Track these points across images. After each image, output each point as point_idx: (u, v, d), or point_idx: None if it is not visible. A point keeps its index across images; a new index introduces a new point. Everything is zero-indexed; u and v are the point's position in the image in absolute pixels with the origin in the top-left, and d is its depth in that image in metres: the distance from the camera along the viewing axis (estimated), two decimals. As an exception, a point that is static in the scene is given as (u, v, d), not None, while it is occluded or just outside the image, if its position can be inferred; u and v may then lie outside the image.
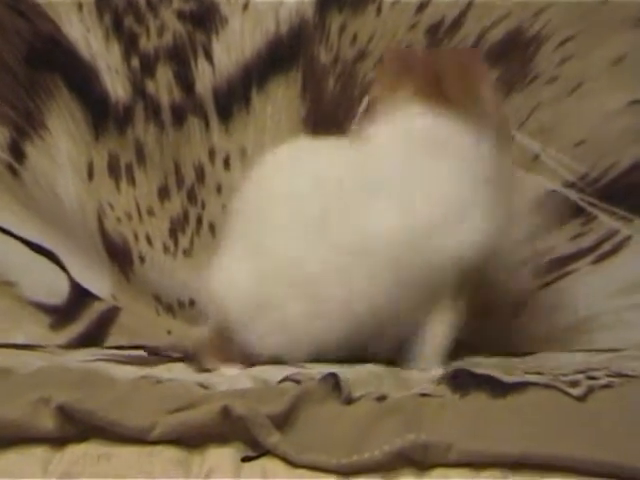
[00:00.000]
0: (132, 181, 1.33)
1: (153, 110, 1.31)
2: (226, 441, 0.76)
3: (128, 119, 1.31)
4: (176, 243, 1.33)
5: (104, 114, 1.32)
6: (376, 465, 0.72)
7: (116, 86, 1.31)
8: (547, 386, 0.86)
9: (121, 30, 1.30)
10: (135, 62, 1.30)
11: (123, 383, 0.89)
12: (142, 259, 1.33)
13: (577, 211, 1.23)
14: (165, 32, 1.29)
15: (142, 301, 1.34)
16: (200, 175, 1.32)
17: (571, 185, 1.22)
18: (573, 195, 1.22)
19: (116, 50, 1.30)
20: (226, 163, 1.31)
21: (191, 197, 1.32)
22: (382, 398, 0.83)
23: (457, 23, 1.23)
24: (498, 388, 0.85)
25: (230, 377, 0.94)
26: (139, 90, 1.30)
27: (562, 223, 1.23)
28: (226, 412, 0.75)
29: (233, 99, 1.29)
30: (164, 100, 1.30)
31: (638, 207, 1.21)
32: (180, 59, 1.29)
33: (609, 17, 1.21)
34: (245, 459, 0.74)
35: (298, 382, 0.87)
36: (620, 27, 1.21)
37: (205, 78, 1.29)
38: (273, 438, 0.74)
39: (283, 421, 0.76)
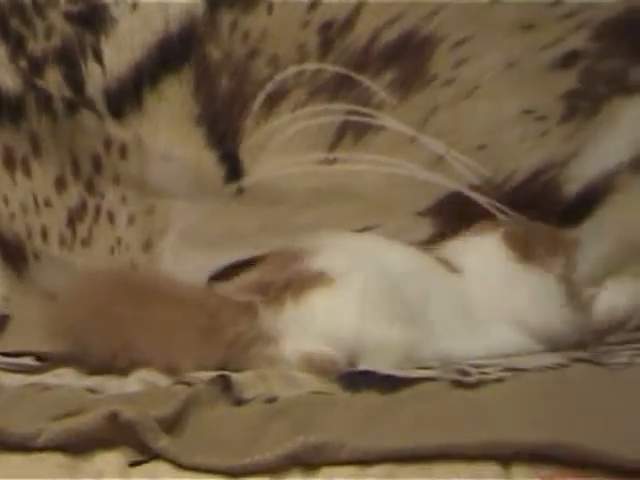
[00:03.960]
0: (28, 172, 1.30)
1: (45, 101, 1.27)
2: (114, 446, 0.75)
3: (21, 111, 1.28)
4: (74, 233, 1.31)
5: (-4, 107, 1.29)
6: (267, 467, 0.71)
7: (5, 79, 1.27)
8: (438, 378, 0.88)
9: (7, 32, 1.26)
10: (23, 64, 1.26)
11: (9, 391, 0.88)
12: (37, 256, 1.30)
13: (485, 215, 1.23)
14: (53, 34, 1.26)
15: (35, 302, 1.31)
16: (97, 165, 1.30)
17: (476, 188, 1.24)
18: (480, 199, 1.24)
19: (2, 52, 1.26)
20: (122, 153, 1.29)
21: (89, 187, 1.30)
22: (272, 400, 0.83)
23: (350, 22, 1.24)
24: (388, 384, 0.86)
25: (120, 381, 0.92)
26: (29, 83, 1.27)
27: (468, 226, 1.24)
28: (114, 417, 0.74)
29: (125, 98, 1.27)
30: (55, 92, 1.27)
31: (541, 216, 1.21)
32: (69, 61, 1.26)
33: (499, 20, 1.22)
34: (133, 464, 0.73)
35: (189, 384, 0.86)
36: (510, 30, 1.22)
37: (95, 79, 1.26)
38: (162, 442, 0.74)
39: (172, 424, 0.76)
